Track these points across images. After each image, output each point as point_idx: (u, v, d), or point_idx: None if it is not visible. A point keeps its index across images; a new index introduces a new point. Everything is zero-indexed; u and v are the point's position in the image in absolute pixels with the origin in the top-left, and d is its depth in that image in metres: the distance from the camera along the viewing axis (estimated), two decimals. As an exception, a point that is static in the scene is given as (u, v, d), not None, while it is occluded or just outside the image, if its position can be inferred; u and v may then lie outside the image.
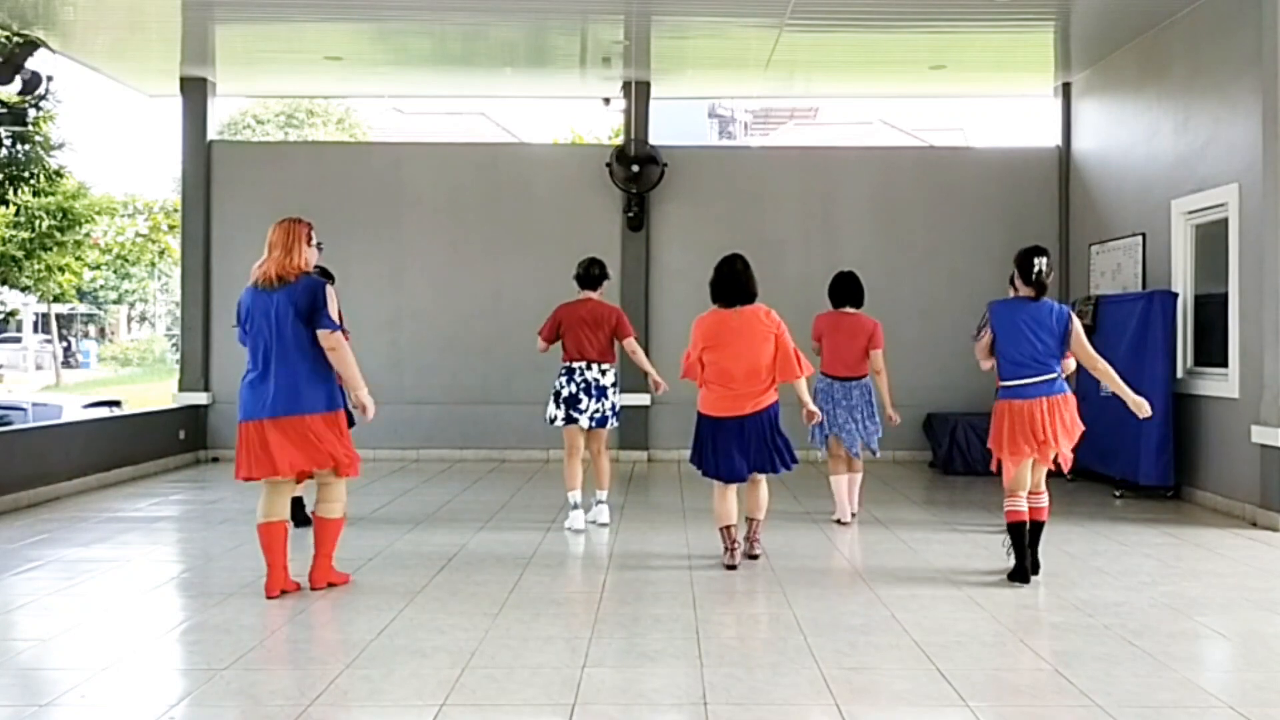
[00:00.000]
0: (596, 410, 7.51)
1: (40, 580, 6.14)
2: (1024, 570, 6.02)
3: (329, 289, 5.62)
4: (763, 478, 6.53)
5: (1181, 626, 5.26)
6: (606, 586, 6.03)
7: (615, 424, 7.76)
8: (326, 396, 5.58)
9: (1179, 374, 9.19)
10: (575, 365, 7.52)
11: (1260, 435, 7.93)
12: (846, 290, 7.93)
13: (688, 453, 6.69)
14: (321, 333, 5.51)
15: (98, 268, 31.22)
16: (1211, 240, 8.97)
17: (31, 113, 20.94)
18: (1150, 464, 8.96)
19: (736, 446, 6.29)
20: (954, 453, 10.85)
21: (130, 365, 36.96)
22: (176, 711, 4.05)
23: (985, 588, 5.96)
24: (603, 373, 7.55)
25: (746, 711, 4.05)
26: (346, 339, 5.64)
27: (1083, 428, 6.12)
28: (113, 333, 47.71)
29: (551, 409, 7.58)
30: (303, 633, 5.05)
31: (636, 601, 5.71)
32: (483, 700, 4.14)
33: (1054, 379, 5.98)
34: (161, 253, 29.91)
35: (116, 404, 14.97)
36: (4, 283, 26.10)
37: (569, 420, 7.49)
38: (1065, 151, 12.05)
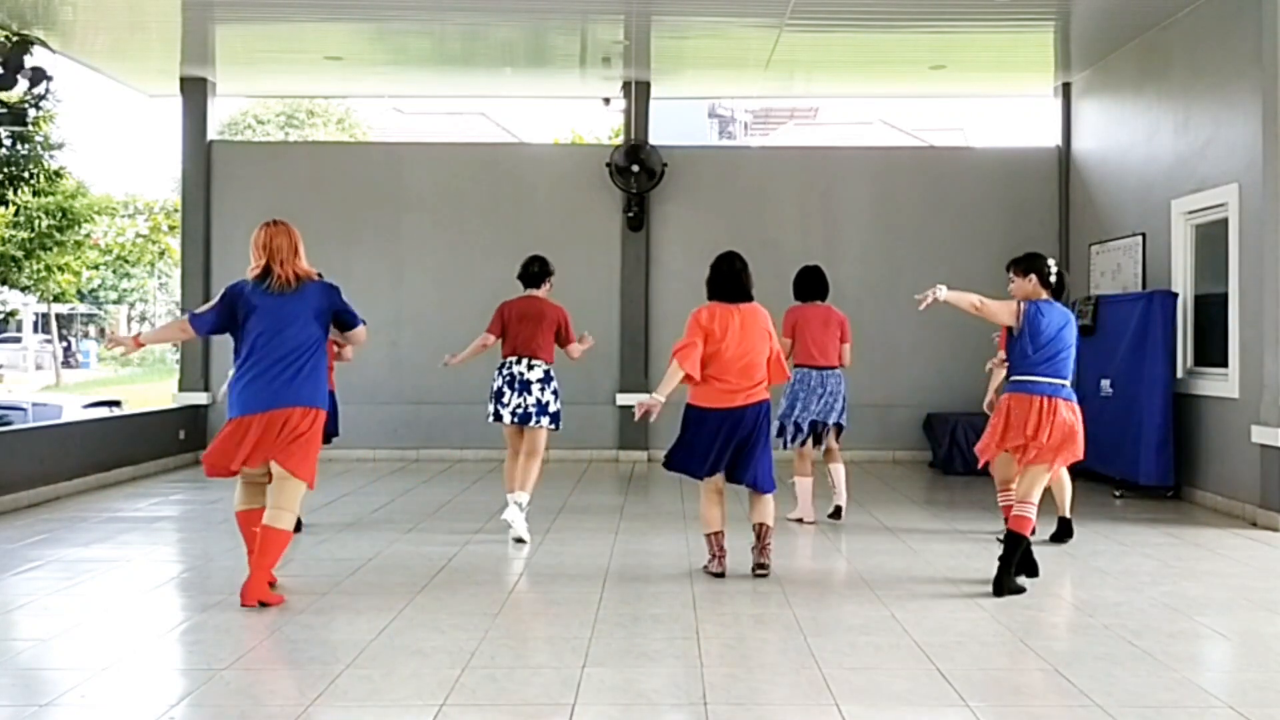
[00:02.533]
0: (519, 405, 7.28)
1: (40, 580, 6.14)
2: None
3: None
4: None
5: (1181, 626, 5.26)
6: (606, 587, 6.02)
7: (549, 426, 7.35)
8: (319, 393, 5.61)
9: (1179, 374, 9.19)
10: (507, 360, 7.41)
11: (1260, 435, 7.92)
12: (816, 283, 8.13)
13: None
14: (359, 329, 5.88)
15: (97, 267, 31.21)
16: (1211, 240, 8.97)
17: (31, 112, 20.94)
18: (1150, 464, 8.96)
19: (714, 441, 6.17)
20: (954, 453, 10.84)
21: (130, 365, 36.93)
22: (176, 711, 4.05)
23: (985, 588, 5.95)
24: (529, 368, 7.33)
25: (746, 711, 4.05)
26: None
27: (1079, 455, 6.01)
28: (113, 333, 47.73)
29: (487, 406, 7.48)
30: (303, 633, 5.05)
31: (636, 601, 5.71)
32: (483, 700, 4.14)
33: (1065, 385, 5.98)
34: (161, 253, 29.93)
35: (116, 404, 14.98)
36: (4, 283, 26.10)
37: (496, 417, 7.38)
38: (1065, 151, 12.04)
